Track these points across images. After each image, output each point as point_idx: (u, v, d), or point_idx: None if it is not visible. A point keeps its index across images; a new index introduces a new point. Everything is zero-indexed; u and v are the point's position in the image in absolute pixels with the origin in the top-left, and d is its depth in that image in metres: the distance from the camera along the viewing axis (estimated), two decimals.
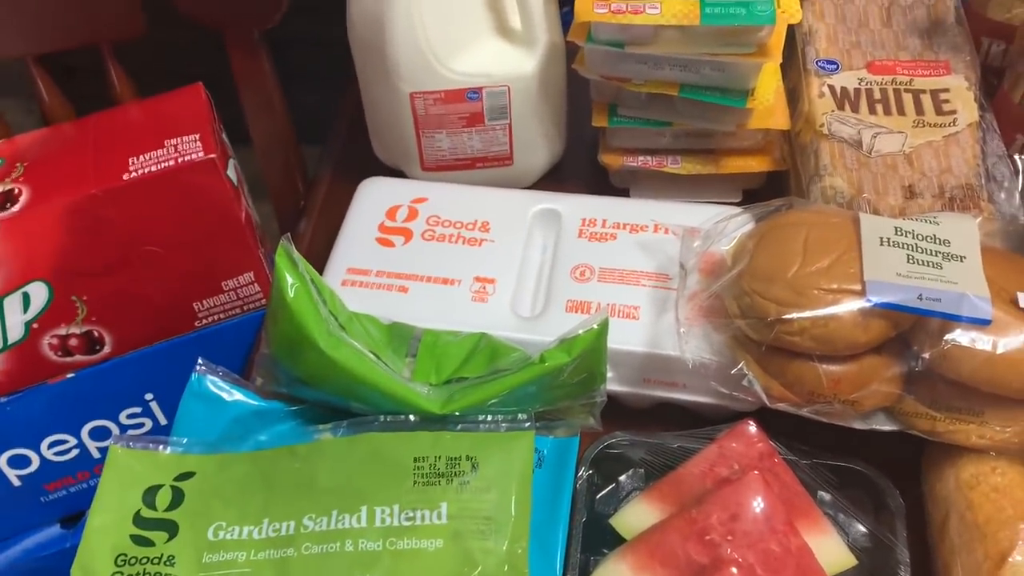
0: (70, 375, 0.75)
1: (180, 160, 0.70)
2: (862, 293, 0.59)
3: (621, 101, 0.80)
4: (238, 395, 0.68)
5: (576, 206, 0.77)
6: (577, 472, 0.65)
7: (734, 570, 0.56)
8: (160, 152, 0.71)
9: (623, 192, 0.85)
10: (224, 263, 0.76)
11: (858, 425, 0.63)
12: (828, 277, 0.60)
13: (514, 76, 0.79)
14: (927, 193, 0.72)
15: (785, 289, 0.61)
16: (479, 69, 0.78)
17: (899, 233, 0.62)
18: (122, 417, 0.77)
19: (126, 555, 0.58)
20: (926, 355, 0.59)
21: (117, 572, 0.58)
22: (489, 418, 0.63)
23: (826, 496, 0.64)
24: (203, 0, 0.93)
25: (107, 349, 0.76)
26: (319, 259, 0.75)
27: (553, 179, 0.87)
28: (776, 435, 0.64)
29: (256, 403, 0.68)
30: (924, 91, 0.77)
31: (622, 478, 0.66)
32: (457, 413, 0.63)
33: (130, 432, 0.78)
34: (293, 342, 0.64)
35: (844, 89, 0.77)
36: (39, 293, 0.72)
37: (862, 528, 0.63)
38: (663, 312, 0.69)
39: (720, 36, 0.72)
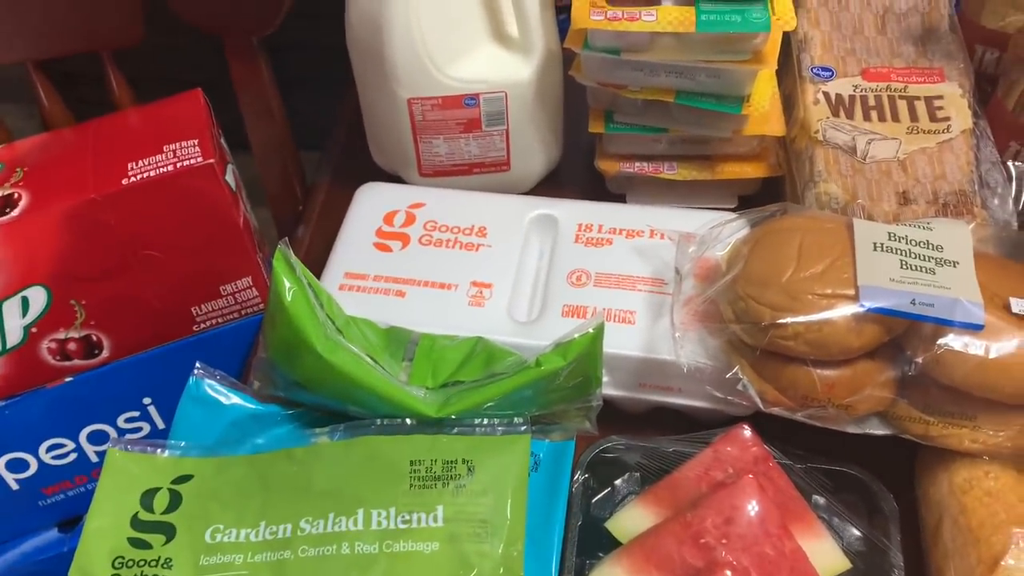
0: (68, 379, 0.75)
1: (179, 165, 0.71)
2: (856, 298, 0.59)
3: (617, 107, 0.81)
4: (236, 399, 0.68)
5: (572, 212, 0.77)
6: (573, 476, 0.65)
7: (729, 573, 0.56)
8: (159, 157, 0.72)
9: (619, 198, 0.85)
10: (222, 268, 0.76)
11: (852, 429, 0.63)
12: (822, 282, 0.61)
13: (511, 82, 0.79)
14: (921, 199, 0.72)
15: (779, 294, 0.61)
16: (476, 75, 0.79)
17: (892, 239, 0.63)
18: (120, 421, 0.78)
19: (124, 558, 0.58)
20: (919, 360, 0.59)
21: (115, 575, 0.58)
22: (485, 422, 0.63)
23: (820, 500, 0.64)
24: (202, 6, 0.93)
25: (105, 353, 0.76)
26: (317, 264, 0.75)
27: (550, 185, 0.88)
28: (771, 439, 0.64)
29: (253, 407, 0.68)
30: (918, 98, 0.77)
31: (618, 482, 0.66)
32: (453, 417, 0.63)
33: (128, 436, 0.78)
34: (291, 346, 0.64)
35: (839, 96, 0.78)
36: (38, 297, 0.72)
37: (856, 532, 0.63)
38: (658, 317, 0.69)
39: (716, 43, 0.73)
